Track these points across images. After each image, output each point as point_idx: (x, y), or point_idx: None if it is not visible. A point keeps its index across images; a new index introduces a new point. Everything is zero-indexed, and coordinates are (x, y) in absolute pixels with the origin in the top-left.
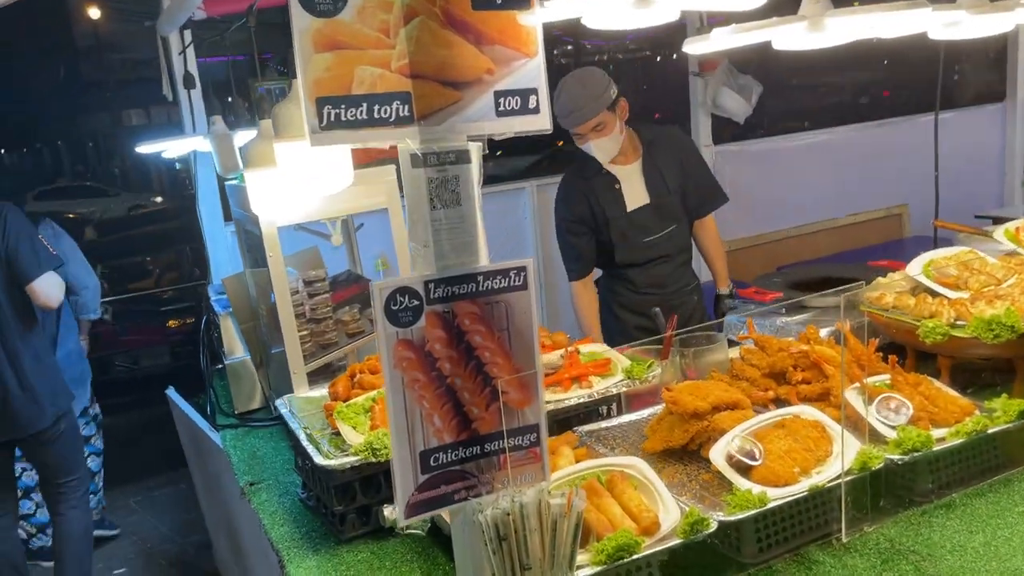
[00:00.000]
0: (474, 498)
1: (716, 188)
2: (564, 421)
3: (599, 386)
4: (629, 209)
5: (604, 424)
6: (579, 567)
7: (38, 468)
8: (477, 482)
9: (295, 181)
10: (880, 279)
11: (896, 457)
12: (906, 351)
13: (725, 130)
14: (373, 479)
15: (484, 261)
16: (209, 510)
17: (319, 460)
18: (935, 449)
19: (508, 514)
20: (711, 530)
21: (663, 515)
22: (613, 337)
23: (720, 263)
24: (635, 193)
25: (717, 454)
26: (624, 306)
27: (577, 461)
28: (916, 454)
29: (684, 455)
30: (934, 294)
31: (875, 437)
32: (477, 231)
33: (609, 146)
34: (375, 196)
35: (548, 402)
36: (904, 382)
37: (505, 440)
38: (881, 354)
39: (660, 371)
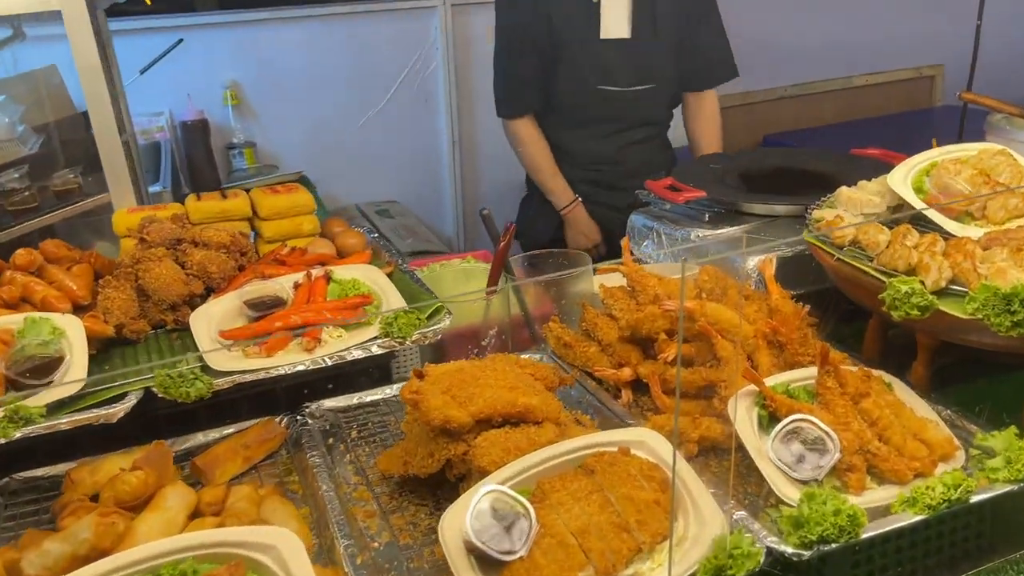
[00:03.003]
0: None
1: (725, 54)
2: (309, 385)
3: (331, 348)
4: (603, 37)
5: (360, 398)
6: None
7: None
8: None
9: None
10: (844, 189)
11: (790, 551)
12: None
13: None
14: None
15: None
16: None
17: None
18: (865, 536)
19: None
20: None
21: None
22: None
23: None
24: (615, 19)
25: (450, 527)
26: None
27: (184, 524)
28: (829, 547)
29: (441, 486)
30: (924, 224)
31: (768, 496)
32: None
33: None
34: None
35: (231, 374)
36: (836, 390)
37: None
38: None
39: (448, 323)
